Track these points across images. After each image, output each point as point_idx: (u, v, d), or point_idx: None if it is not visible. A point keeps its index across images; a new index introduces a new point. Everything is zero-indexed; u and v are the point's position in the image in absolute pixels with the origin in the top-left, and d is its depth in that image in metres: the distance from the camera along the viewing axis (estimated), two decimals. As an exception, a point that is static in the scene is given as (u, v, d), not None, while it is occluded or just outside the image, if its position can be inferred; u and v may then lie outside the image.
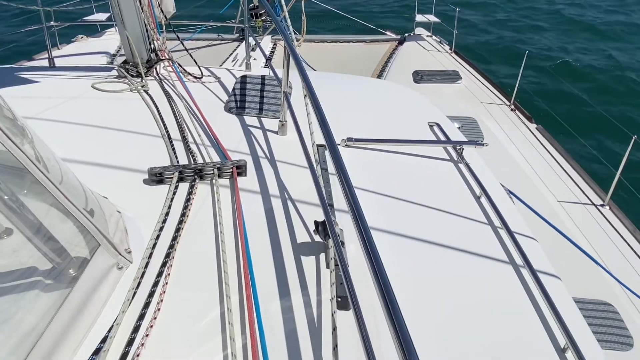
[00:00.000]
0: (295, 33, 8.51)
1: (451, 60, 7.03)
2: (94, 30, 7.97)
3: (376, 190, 2.20)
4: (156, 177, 1.94)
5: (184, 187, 1.97)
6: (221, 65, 7.14)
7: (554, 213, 3.84)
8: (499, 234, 2.02)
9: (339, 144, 2.56)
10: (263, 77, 3.05)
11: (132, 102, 2.93)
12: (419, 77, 6.33)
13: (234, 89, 2.97)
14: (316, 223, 1.62)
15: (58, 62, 6.80)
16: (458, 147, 2.55)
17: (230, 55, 7.56)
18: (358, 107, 3.13)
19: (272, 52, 7.90)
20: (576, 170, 4.39)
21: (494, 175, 2.47)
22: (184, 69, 3.56)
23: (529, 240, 2.00)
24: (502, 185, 3.80)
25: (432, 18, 7.92)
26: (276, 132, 2.57)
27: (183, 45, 3.76)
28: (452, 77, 6.32)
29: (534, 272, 1.76)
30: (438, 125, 2.89)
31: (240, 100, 2.85)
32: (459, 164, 2.52)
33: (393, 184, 2.29)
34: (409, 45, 7.74)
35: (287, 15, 3.82)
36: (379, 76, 6.84)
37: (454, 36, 7.16)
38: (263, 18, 8.16)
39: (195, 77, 3.52)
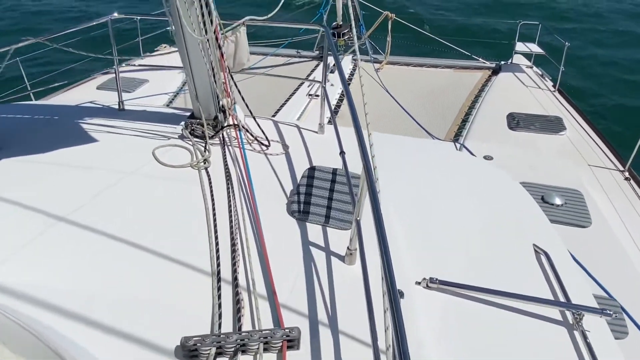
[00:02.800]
0: (378, 53, 7.97)
1: (553, 101, 6.18)
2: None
3: None
4: (189, 352, 1.59)
5: None
6: (297, 89, 6.79)
7: None
8: None
9: (419, 283, 2.09)
10: (335, 172, 2.62)
11: (187, 189, 2.62)
12: (515, 121, 5.58)
13: (298, 186, 2.57)
14: None
15: (140, 75, 6.77)
16: (576, 313, 1.97)
17: (308, 76, 7.19)
18: (449, 215, 2.58)
19: (352, 74, 7.44)
20: None
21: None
22: (250, 135, 3.22)
23: None
24: (611, 297, 3.13)
25: (534, 48, 7.05)
26: (343, 259, 2.14)
27: (254, 120, 3.38)
28: (554, 125, 5.51)
29: None
30: (547, 255, 2.30)
31: (304, 202, 2.45)
32: (574, 331, 1.96)
33: (484, 355, 1.80)
34: (504, 77, 6.95)
35: (353, 36, 3.32)
36: (468, 113, 6.15)
37: (560, 73, 6.29)
38: (346, 37, 7.74)
39: (262, 145, 3.18)
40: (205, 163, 2.88)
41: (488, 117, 5.85)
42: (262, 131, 3.20)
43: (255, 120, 3.28)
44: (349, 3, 4.93)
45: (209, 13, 2.86)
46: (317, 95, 6.71)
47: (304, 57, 8.02)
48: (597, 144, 5.26)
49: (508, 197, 2.83)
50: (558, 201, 4.01)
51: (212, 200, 2.49)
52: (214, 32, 2.90)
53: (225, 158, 2.94)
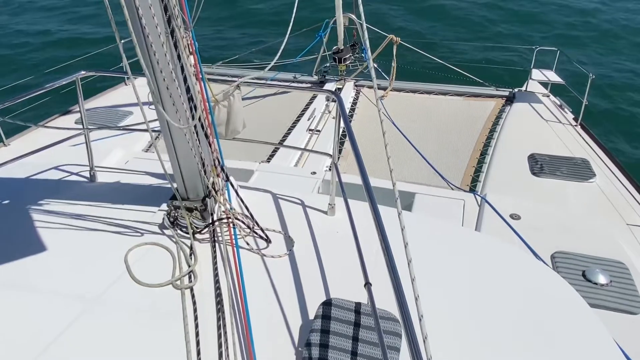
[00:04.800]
0: (383, 78, 7.37)
1: (577, 139, 5.64)
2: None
3: None
4: None
5: None
6: (296, 120, 6.20)
7: None
8: None
9: None
10: (358, 309, 2.04)
11: (166, 328, 2.04)
12: (538, 166, 5.02)
13: (310, 331, 1.97)
14: None
15: (124, 109, 6.13)
16: None
17: (307, 107, 6.59)
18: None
19: (354, 103, 6.86)
20: None
21: None
22: (247, 227, 2.64)
23: None
24: None
25: (552, 76, 6.51)
26: None
27: (248, 211, 2.79)
28: (581, 170, 4.97)
29: None
30: None
31: (320, 359, 1.86)
32: None
33: None
34: (519, 108, 6.40)
35: (370, 61, 2.75)
36: (484, 152, 5.59)
37: (583, 107, 5.75)
38: (348, 62, 7.16)
39: (261, 238, 2.60)
40: (190, 280, 2.30)
41: (507, 159, 5.29)
42: (261, 228, 2.62)
43: (251, 214, 2.69)
44: (362, 26, 4.35)
45: (191, 99, 2.28)
46: (318, 131, 6.14)
47: (301, 82, 7.43)
48: (631, 193, 4.72)
49: (572, 322, 2.26)
50: (602, 279, 3.46)
51: (198, 349, 1.91)
52: (199, 119, 2.32)
53: (216, 268, 2.36)
